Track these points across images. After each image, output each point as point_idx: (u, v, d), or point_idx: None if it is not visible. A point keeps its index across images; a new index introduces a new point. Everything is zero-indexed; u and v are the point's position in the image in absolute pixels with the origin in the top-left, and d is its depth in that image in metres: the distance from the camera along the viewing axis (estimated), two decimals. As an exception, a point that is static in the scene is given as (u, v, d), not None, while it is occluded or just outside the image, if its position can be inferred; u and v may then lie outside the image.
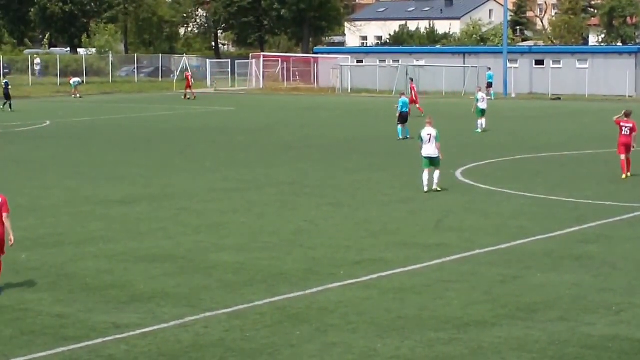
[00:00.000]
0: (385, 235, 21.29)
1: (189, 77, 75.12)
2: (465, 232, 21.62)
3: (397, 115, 42.66)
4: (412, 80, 62.45)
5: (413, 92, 56.03)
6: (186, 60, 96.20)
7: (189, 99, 72.95)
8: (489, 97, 74.46)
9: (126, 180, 30.01)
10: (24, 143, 42.10)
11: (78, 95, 75.79)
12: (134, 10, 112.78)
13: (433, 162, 26.76)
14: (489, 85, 76.23)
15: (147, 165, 33.82)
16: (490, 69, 77.10)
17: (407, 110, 42.72)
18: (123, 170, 32.62)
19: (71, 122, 53.39)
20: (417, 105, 54.42)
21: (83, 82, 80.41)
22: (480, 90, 47.75)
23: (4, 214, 15.98)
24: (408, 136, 41.45)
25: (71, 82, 77.23)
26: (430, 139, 26.66)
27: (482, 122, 45.72)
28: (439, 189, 26.75)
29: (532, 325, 14.39)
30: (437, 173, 26.82)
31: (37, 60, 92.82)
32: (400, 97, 43.64)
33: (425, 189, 26.67)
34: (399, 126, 42.37)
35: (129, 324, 14.44)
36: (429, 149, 26.67)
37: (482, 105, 45.99)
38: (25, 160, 35.67)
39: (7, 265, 18.38)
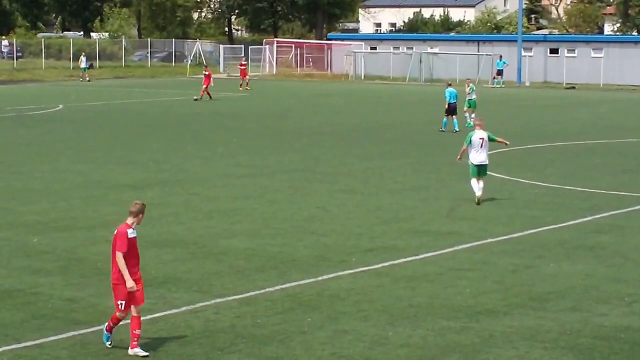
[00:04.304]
0: (398, 222, 21.23)
1: (245, 66, 70.36)
2: (478, 220, 21.55)
3: (446, 106, 40.33)
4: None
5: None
6: (199, 46, 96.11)
7: (248, 89, 67.30)
8: (499, 85, 74.73)
9: (138, 165, 30.01)
10: (36, 127, 42.12)
11: (87, 79, 75.74)
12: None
13: (482, 170, 23.59)
14: (499, 72, 76.16)
15: (159, 150, 33.80)
16: (502, 57, 76.90)
17: (455, 101, 40.13)
18: (135, 155, 32.61)
19: (84, 106, 53.40)
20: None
21: (92, 65, 79.88)
22: (471, 83, 44.05)
23: (117, 252, 12.49)
24: (457, 129, 39.42)
25: (82, 65, 77.15)
26: (482, 144, 23.40)
27: (470, 114, 42.47)
28: (479, 197, 23.41)
29: (544, 315, 14.33)
30: (481, 182, 23.47)
31: (5, 42, 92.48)
32: (447, 88, 41.02)
33: (479, 193, 23.37)
34: (445, 118, 40.34)
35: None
36: (481, 156, 23.42)
37: (472, 96, 42.94)
38: (37, 144, 35.69)
39: (18, 248, 18.44)
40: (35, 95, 61.36)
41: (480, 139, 23.45)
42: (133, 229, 12.60)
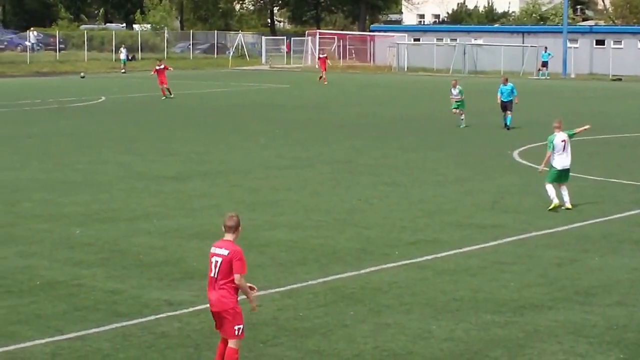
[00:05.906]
0: (441, 215, 21.05)
1: (325, 59, 69.43)
2: (522, 213, 21.31)
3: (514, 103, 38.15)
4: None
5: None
6: (242, 37, 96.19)
7: (325, 83, 65.53)
8: (544, 77, 74.09)
9: (180, 157, 30.04)
10: (79, 118, 42.34)
11: (122, 71, 76.38)
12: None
13: (564, 175, 21.85)
14: (544, 64, 75.53)
15: (201, 142, 33.84)
16: (547, 48, 76.22)
17: (510, 99, 37.97)
18: (177, 146, 32.65)
19: (126, 97, 53.65)
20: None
21: (134, 57, 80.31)
22: (457, 84, 39.70)
23: (236, 275, 11.09)
24: (507, 125, 37.99)
25: (122, 57, 77.79)
26: (565, 146, 21.77)
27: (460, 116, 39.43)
28: (570, 207, 21.64)
29: (590, 309, 14.11)
30: (565, 189, 21.77)
31: (35, 34, 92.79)
32: (505, 85, 38.18)
33: (556, 200, 21.57)
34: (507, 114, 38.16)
35: (181, 301, 14.39)
36: (566, 160, 21.76)
37: (458, 97, 39.26)
38: (79, 136, 35.84)
39: (61, 240, 18.50)
40: (77, 87, 61.72)
41: (562, 141, 21.77)
42: None
